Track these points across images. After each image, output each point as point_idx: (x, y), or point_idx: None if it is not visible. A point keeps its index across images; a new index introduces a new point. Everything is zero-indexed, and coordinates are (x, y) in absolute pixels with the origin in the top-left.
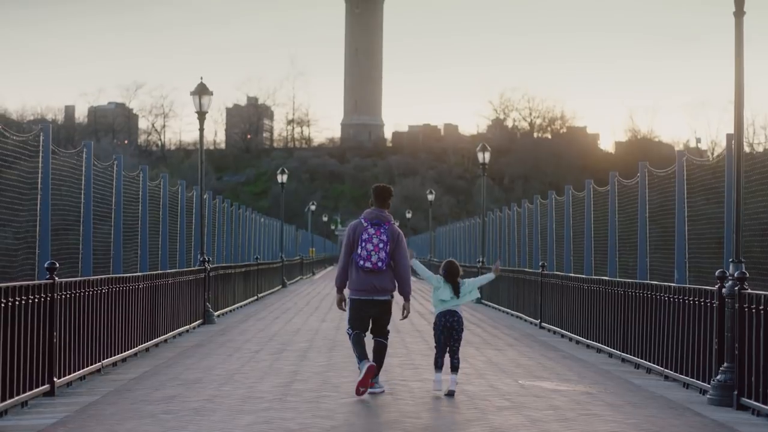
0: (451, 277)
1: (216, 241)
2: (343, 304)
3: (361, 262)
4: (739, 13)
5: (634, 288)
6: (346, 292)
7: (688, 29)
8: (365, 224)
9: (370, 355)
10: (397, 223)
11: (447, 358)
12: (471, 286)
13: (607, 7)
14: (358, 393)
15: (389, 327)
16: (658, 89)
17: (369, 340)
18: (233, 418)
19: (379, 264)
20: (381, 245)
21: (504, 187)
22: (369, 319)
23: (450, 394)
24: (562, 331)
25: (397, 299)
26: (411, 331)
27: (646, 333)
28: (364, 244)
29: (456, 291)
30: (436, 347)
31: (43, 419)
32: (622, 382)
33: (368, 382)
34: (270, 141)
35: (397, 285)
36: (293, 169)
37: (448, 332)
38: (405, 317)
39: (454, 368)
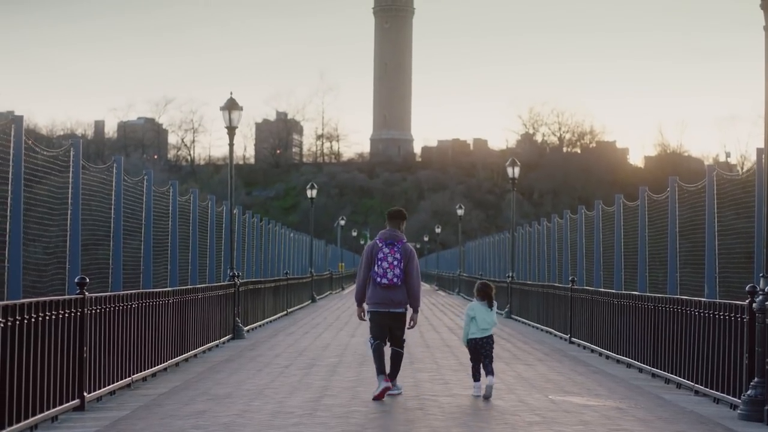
0: (486, 296)
1: (246, 255)
2: (363, 314)
3: (378, 279)
4: None
5: (664, 303)
6: (365, 306)
7: (717, 43)
8: (380, 244)
9: (388, 363)
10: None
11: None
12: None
13: (637, 22)
14: (374, 400)
15: (404, 337)
16: (687, 103)
17: (387, 349)
18: None
19: (395, 280)
20: (395, 263)
21: (533, 202)
22: (388, 328)
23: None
24: (592, 346)
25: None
26: (441, 346)
27: (677, 348)
28: (380, 262)
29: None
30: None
31: None
32: (653, 397)
33: (383, 397)
34: (299, 156)
35: (411, 298)
36: (322, 183)
37: (481, 348)
38: (411, 327)
39: (490, 373)
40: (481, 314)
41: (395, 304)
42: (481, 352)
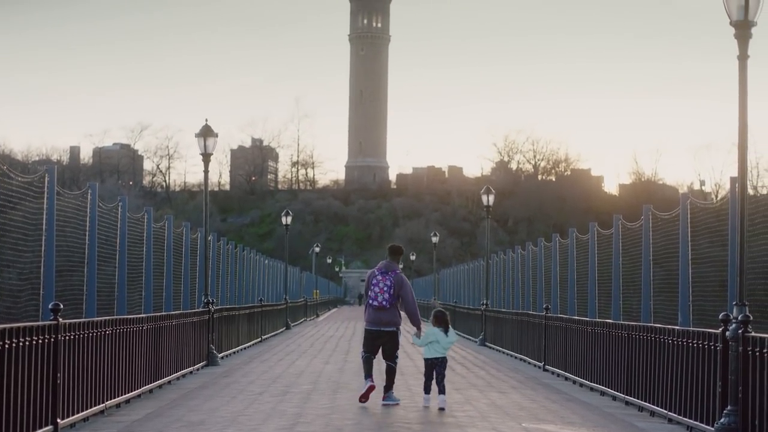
0: (443, 322)
1: (220, 282)
2: None
3: (371, 301)
4: (743, 56)
5: (638, 331)
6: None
7: (692, 72)
8: (377, 273)
9: (382, 376)
10: (401, 267)
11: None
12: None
13: (612, 51)
14: (360, 401)
15: (397, 353)
16: (662, 132)
17: (381, 363)
18: None
19: (384, 303)
20: (386, 288)
21: (508, 230)
22: (378, 345)
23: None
24: (566, 373)
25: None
26: (415, 373)
27: (650, 376)
28: (374, 287)
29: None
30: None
31: None
32: (626, 425)
33: (368, 396)
34: (274, 183)
35: (409, 318)
36: (297, 210)
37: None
38: (416, 333)
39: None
40: (443, 339)
41: (384, 323)
42: (435, 371)
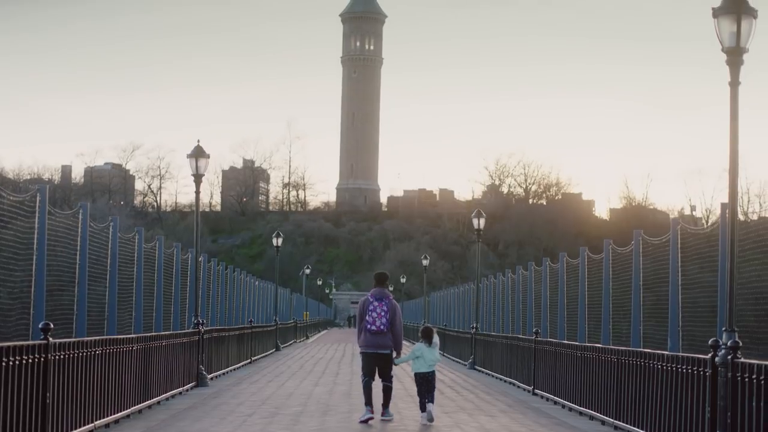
0: (428, 336)
1: (210, 303)
2: None
3: (369, 326)
4: (734, 82)
5: (627, 355)
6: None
7: (684, 97)
8: (371, 299)
9: (379, 396)
10: (391, 290)
11: None
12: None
13: (604, 75)
14: (359, 422)
15: (392, 373)
16: (653, 157)
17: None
18: None
19: (381, 327)
20: (383, 314)
21: (498, 253)
22: (376, 367)
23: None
24: (555, 397)
25: None
26: (404, 396)
27: (639, 400)
28: (371, 313)
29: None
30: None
31: None
32: None
33: (367, 422)
34: (266, 204)
35: (394, 340)
36: (288, 232)
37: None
38: (396, 357)
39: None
40: (427, 353)
41: (381, 346)
42: (424, 383)
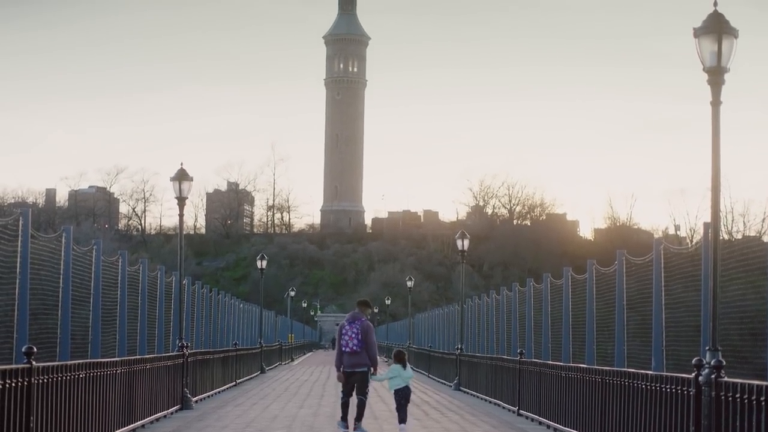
0: (401, 360)
1: (195, 326)
2: (341, 377)
3: (344, 348)
4: (715, 102)
5: (612, 375)
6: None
7: (667, 117)
8: (345, 324)
9: (354, 411)
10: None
11: None
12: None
13: (588, 95)
14: None
15: (368, 389)
16: (637, 177)
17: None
18: None
19: (355, 348)
20: (354, 335)
21: (483, 274)
22: (354, 384)
23: None
24: (541, 418)
25: None
26: (389, 417)
27: (624, 420)
28: (344, 336)
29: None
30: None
31: None
32: None
33: None
34: (250, 226)
35: (369, 358)
36: (273, 254)
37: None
38: (373, 373)
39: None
40: (403, 372)
41: (357, 365)
42: (402, 397)
